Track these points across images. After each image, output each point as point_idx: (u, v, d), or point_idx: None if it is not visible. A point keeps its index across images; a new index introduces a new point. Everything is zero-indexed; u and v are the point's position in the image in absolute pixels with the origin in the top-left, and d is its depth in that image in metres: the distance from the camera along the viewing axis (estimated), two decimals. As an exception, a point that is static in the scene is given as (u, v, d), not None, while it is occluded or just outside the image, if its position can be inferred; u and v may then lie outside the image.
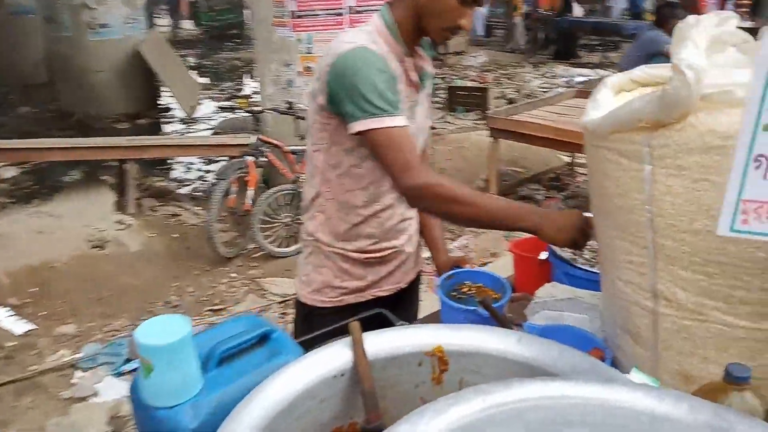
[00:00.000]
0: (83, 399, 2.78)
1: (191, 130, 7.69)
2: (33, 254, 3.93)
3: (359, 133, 1.31)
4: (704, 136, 0.79)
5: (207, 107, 8.62)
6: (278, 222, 4.27)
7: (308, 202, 1.53)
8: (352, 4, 4.36)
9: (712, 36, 0.85)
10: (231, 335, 0.93)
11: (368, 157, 1.39)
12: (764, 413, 0.77)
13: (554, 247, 1.39)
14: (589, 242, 1.21)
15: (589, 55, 12.07)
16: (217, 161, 6.19)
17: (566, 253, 1.39)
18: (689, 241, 0.84)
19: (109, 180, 5.26)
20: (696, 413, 0.66)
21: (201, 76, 10.59)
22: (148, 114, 8.07)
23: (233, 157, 4.43)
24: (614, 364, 1.05)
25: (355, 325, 0.89)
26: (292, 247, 4.30)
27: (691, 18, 0.88)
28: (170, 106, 8.55)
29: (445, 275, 1.35)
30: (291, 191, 4.23)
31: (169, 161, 6.27)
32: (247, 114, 4.69)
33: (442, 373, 0.91)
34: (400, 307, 1.54)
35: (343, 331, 1.38)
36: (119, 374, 2.95)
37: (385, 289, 1.57)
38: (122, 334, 3.27)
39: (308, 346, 0.98)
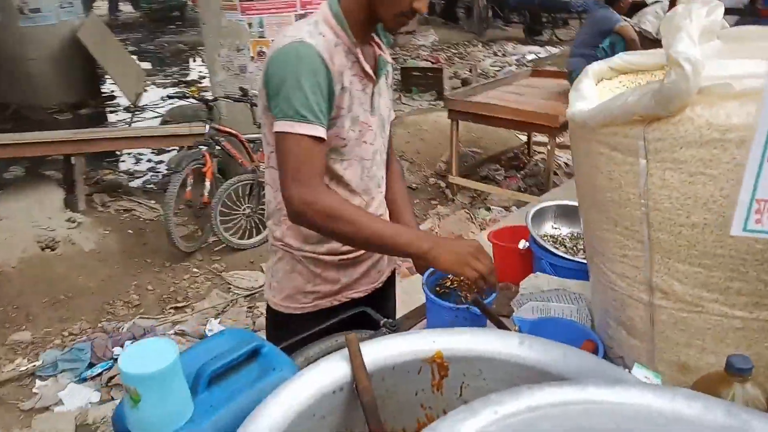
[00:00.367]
0: (46, 409, 2.67)
1: (138, 119, 7.40)
2: (-23, 259, 3.72)
3: (276, 133, 1.25)
4: (701, 129, 0.78)
5: (153, 94, 8.30)
6: (239, 213, 4.17)
7: (273, 208, 1.45)
8: (304, -14, 4.25)
9: (702, 26, 0.83)
10: (219, 353, 0.88)
11: (329, 157, 1.33)
12: (766, 402, 0.78)
13: (535, 236, 1.39)
14: (486, 276, 1.16)
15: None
16: (168, 151, 5.98)
17: (547, 242, 1.38)
18: (686, 235, 0.84)
19: (54, 176, 5.00)
20: (709, 413, 0.66)
21: (143, 62, 10.17)
22: (90, 103, 7.71)
23: (188, 148, 4.27)
24: (606, 354, 1.05)
25: (351, 337, 0.86)
26: (255, 239, 4.21)
27: (680, 7, 0.86)
28: (114, 94, 8.19)
29: (427, 272, 1.32)
30: (250, 181, 4.13)
31: (117, 153, 6.01)
32: (199, 102, 4.53)
33: (442, 379, 0.89)
34: (376, 305, 1.50)
35: (319, 336, 1.35)
36: (83, 380, 2.83)
37: (361, 290, 1.53)
38: (82, 338, 3.14)
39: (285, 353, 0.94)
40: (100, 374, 2.85)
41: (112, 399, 2.71)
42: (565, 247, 1.40)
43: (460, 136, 4.84)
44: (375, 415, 0.81)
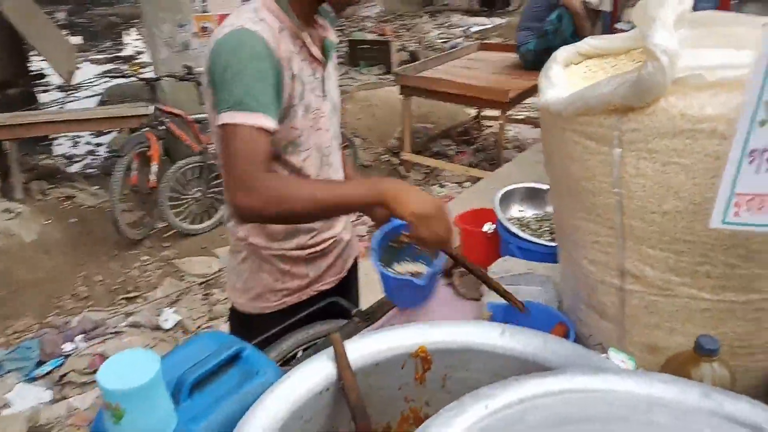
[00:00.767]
0: (-6, 411, 2.54)
1: (73, 99, 7.01)
2: None
3: (218, 128, 1.15)
4: (675, 119, 0.80)
5: (87, 71, 7.88)
6: (188, 197, 4.04)
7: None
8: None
9: (677, 15, 0.85)
10: (199, 359, 0.85)
11: (286, 150, 1.29)
12: (732, 380, 0.82)
13: (502, 220, 1.40)
14: (449, 234, 1.11)
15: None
16: (107, 133, 5.71)
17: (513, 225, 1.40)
18: (658, 222, 0.87)
19: (-16, 162, 4.69)
20: (686, 395, 0.69)
21: (74, 36, 9.62)
22: (18, 83, 7.23)
23: (131, 130, 4.09)
24: (578, 337, 1.08)
25: (336, 337, 0.85)
26: (206, 223, 4.10)
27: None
28: (44, 72, 7.72)
29: (376, 239, 1.22)
30: (199, 164, 4.00)
31: (51, 136, 5.69)
32: (140, 81, 4.32)
33: (425, 372, 0.90)
34: (342, 294, 1.49)
35: (286, 332, 1.34)
36: (32, 379, 2.71)
37: (328, 282, 1.52)
38: (29, 335, 2.99)
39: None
40: (50, 372, 2.74)
41: (65, 398, 2.60)
42: (531, 229, 1.42)
43: (411, 112, 4.83)
44: (363, 413, 0.81)
